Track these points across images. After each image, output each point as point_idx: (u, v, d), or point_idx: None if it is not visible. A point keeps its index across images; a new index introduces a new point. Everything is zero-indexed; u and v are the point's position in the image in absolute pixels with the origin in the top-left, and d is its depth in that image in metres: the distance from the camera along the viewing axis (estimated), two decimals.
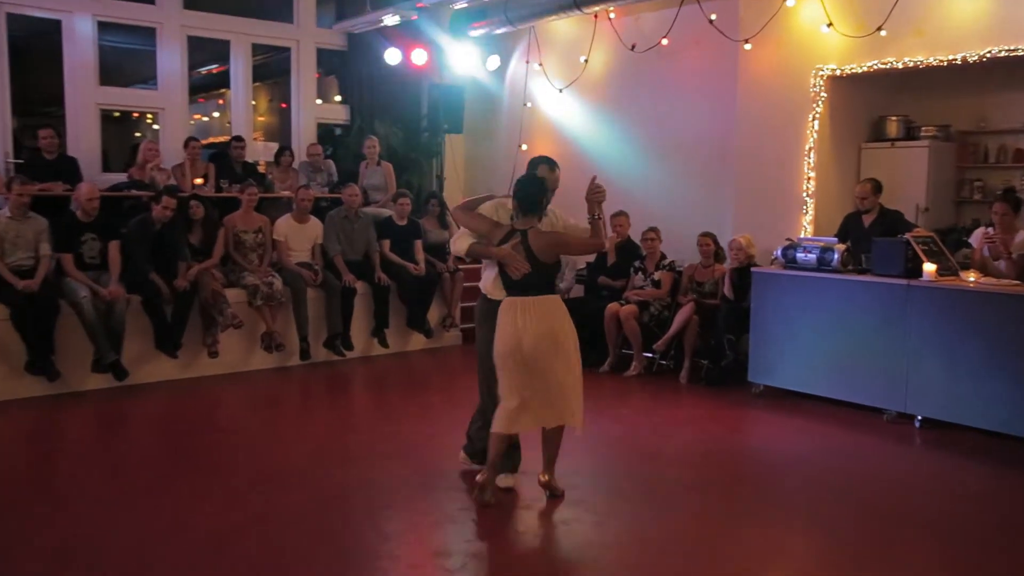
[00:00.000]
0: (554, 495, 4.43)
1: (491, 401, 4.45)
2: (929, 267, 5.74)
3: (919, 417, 5.83)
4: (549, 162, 4.57)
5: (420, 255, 8.26)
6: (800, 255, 6.42)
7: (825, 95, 8.00)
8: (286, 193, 8.48)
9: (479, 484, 4.36)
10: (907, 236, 5.96)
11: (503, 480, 4.52)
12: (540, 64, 9.56)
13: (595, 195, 4.27)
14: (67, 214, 6.79)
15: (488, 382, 4.49)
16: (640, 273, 7.74)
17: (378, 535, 4.03)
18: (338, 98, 10.50)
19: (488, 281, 4.50)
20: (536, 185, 4.32)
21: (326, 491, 4.56)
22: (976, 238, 6.34)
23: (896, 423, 5.91)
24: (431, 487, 4.66)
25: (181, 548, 3.83)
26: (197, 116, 11.99)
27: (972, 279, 5.74)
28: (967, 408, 5.57)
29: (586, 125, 9.22)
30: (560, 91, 9.42)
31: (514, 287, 4.29)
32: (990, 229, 6.09)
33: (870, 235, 6.44)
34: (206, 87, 11.70)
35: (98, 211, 6.71)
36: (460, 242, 4.49)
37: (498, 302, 4.35)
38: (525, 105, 9.85)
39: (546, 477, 4.46)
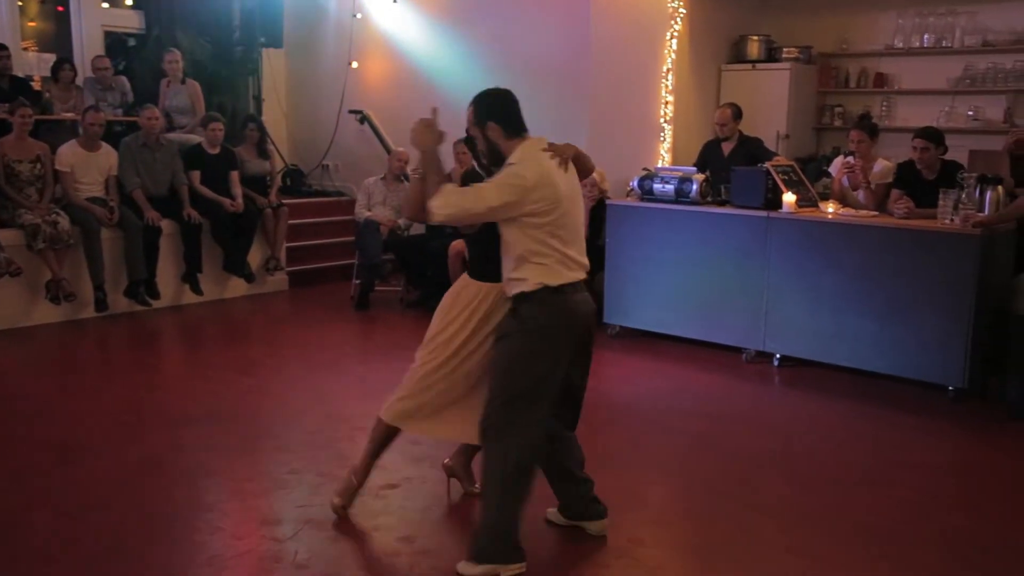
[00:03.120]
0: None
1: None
2: (789, 198, 6.11)
3: (777, 355, 6.27)
4: None
5: (237, 188, 8.00)
6: (657, 186, 6.66)
7: (684, 11, 8.27)
8: (69, 115, 8.01)
9: None
10: (767, 165, 6.31)
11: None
12: None
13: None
14: None
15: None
16: None
17: (196, 506, 3.97)
18: (129, 2, 9.91)
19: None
20: None
21: (132, 461, 4.44)
22: (835, 167, 6.79)
23: (755, 362, 6.33)
24: (255, 450, 4.62)
25: None
26: None
27: (831, 210, 6.16)
28: (826, 345, 6.02)
29: (424, 41, 9.13)
30: (394, 1, 9.27)
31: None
32: (850, 158, 6.53)
33: (730, 164, 6.77)
34: None
35: None
36: None
37: None
38: (355, 16, 9.64)
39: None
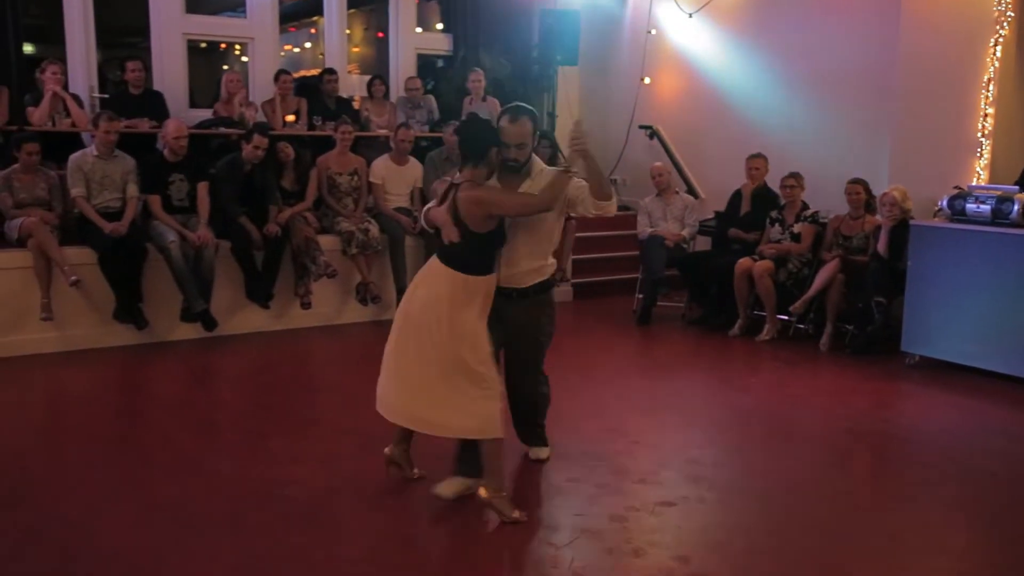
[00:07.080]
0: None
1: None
2: None
3: None
4: (515, 111, 4.02)
5: None
6: (971, 206, 6.18)
7: (1012, 15, 7.61)
8: (383, 132, 8.63)
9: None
10: None
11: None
12: None
13: (576, 143, 3.90)
14: (154, 153, 7.12)
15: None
16: (777, 225, 7.58)
17: (481, 503, 4.14)
18: (440, 26, 10.57)
19: None
20: (480, 127, 3.99)
21: (422, 455, 4.69)
22: None
23: None
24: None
25: (274, 511, 4.03)
26: (288, 47, 12.27)
27: None
28: None
29: (719, 55, 9.02)
30: (690, 16, 9.23)
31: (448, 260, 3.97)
32: None
33: None
34: (297, 15, 11.97)
35: (186, 150, 6.99)
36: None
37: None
38: (649, 32, 9.71)
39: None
